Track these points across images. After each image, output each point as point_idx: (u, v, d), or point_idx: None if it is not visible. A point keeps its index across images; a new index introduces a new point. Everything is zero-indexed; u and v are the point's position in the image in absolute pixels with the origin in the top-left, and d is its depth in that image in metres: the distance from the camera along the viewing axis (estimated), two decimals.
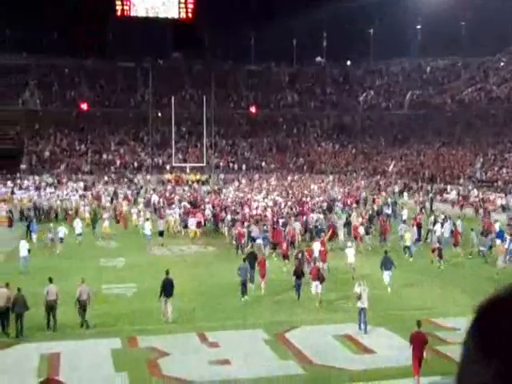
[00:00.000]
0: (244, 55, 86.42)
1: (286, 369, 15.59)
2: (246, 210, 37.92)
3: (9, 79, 75.57)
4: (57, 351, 16.69)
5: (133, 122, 76.38)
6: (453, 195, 51.75)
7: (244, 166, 70.94)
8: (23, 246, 26.98)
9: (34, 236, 32.53)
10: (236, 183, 57.62)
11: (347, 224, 33.86)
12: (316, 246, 26.60)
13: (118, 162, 68.34)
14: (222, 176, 65.71)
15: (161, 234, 33.47)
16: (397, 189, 57.20)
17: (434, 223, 33.17)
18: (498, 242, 28.70)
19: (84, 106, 75.35)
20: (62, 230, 31.93)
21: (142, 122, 73.21)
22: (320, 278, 21.33)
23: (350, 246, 26.70)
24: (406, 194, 52.97)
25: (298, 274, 21.99)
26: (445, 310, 20.52)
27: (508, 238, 28.20)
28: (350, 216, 35.80)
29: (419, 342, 14.16)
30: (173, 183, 60.83)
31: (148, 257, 29.66)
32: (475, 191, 51.38)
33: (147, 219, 34.75)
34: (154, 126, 72.13)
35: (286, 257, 26.68)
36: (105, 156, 69.44)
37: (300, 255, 24.61)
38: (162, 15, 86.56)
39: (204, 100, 67.07)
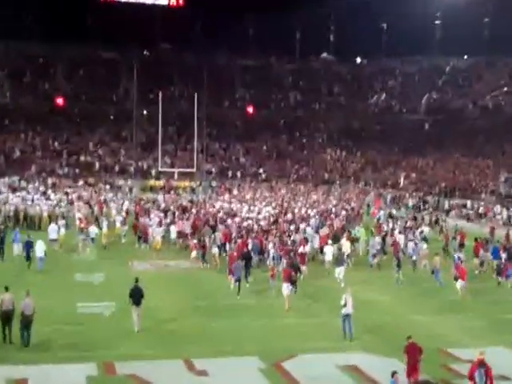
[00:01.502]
0: (241, 48, 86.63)
1: None
2: (229, 221, 38.58)
3: None
4: (25, 377, 16.61)
5: (114, 120, 76.44)
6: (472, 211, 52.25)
7: (239, 174, 70.97)
8: (40, 247, 29.54)
9: (16, 247, 32.27)
10: (226, 194, 57.33)
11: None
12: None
13: (97, 165, 68.28)
14: (214, 184, 65.73)
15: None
16: (411, 203, 57.45)
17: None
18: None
19: (60, 101, 75.40)
20: (94, 231, 35.04)
21: (125, 121, 73.24)
22: (292, 279, 24.82)
23: (330, 244, 31.45)
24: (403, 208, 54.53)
25: (294, 269, 26.38)
26: (455, 336, 20.83)
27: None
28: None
29: (415, 352, 15.87)
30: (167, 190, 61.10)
31: (129, 272, 29.61)
32: (498, 208, 51.59)
33: (172, 223, 37.72)
34: (139, 126, 72.17)
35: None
36: (82, 158, 69.41)
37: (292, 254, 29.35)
38: (149, 1, 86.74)
39: (195, 97, 67.17)
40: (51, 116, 74.36)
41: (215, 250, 31.85)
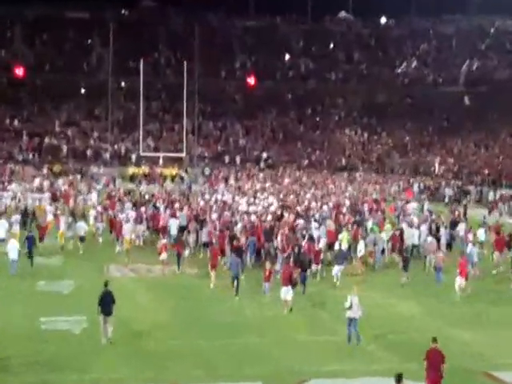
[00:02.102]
0: (240, 6, 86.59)
1: None
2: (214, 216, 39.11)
3: None
4: None
5: (86, 95, 76.33)
6: None
7: (238, 158, 70.91)
8: (13, 248, 30.35)
9: None
10: (221, 184, 57.47)
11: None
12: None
13: (65, 149, 68.22)
14: (207, 171, 65.69)
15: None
16: (447, 194, 57.44)
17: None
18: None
19: (19, 71, 75.26)
20: (83, 228, 35.59)
21: (99, 95, 73.14)
22: (293, 282, 25.51)
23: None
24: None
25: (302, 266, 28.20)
26: (499, 356, 20.80)
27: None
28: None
29: (436, 360, 16.46)
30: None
31: (104, 279, 29.56)
32: None
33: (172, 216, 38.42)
34: (115, 101, 72.04)
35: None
36: (47, 139, 69.36)
37: (296, 248, 30.76)
38: None
39: (185, 66, 66.99)
40: (9, 89, 74.34)
41: (187, 253, 33.04)
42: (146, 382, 18.22)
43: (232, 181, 60.02)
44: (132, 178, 63.13)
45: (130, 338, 21.34)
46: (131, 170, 65.56)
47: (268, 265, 28.61)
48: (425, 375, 16.65)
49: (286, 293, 24.81)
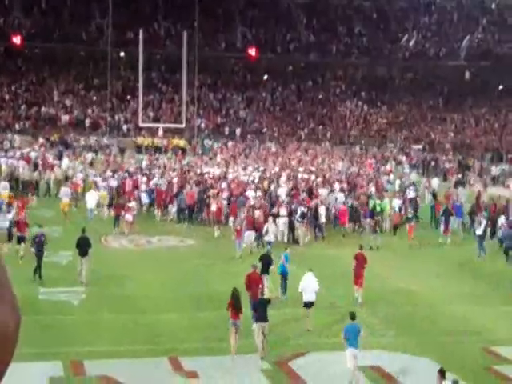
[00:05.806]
0: None
1: None
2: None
3: None
4: None
5: (84, 64, 75.90)
6: None
7: (239, 131, 70.74)
8: (91, 198, 35.14)
9: None
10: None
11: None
12: None
13: (63, 119, 68.00)
14: (207, 142, 65.61)
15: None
16: (448, 167, 57.45)
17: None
18: None
19: (17, 40, 74.72)
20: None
21: (98, 64, 72.78)
22: (256, 227, 30.04)
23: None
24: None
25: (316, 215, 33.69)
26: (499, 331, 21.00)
27: None
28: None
29: (362, 261, 23.03)
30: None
31: (103, 250, 29.60)
32: None
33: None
34: (115, 71, 71.64)
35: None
36: (44, 109, 69.09)
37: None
38: None
39: (184, 37, 66.53)
40: (6, 58, 73.85)
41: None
42: (143, 356, 18.23)
43: (219, 157, 59.81)
44: (140, 150, 62.73)
45: (128, 312, 21.34)
46: (146, 141, 64.86)
47: (237, 224, 31.30)
48: (353, 272, 22.89)
49: (248, 236, 29.38)
